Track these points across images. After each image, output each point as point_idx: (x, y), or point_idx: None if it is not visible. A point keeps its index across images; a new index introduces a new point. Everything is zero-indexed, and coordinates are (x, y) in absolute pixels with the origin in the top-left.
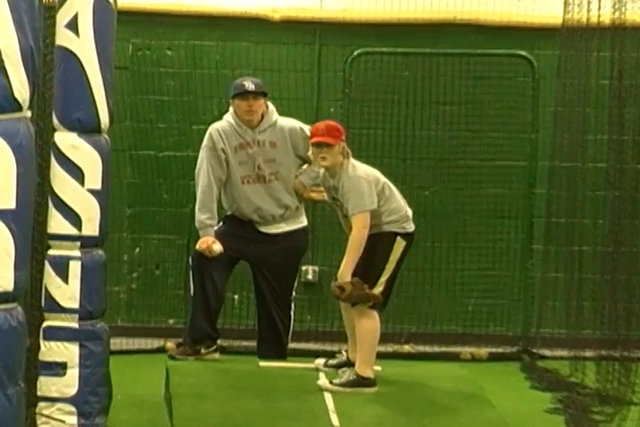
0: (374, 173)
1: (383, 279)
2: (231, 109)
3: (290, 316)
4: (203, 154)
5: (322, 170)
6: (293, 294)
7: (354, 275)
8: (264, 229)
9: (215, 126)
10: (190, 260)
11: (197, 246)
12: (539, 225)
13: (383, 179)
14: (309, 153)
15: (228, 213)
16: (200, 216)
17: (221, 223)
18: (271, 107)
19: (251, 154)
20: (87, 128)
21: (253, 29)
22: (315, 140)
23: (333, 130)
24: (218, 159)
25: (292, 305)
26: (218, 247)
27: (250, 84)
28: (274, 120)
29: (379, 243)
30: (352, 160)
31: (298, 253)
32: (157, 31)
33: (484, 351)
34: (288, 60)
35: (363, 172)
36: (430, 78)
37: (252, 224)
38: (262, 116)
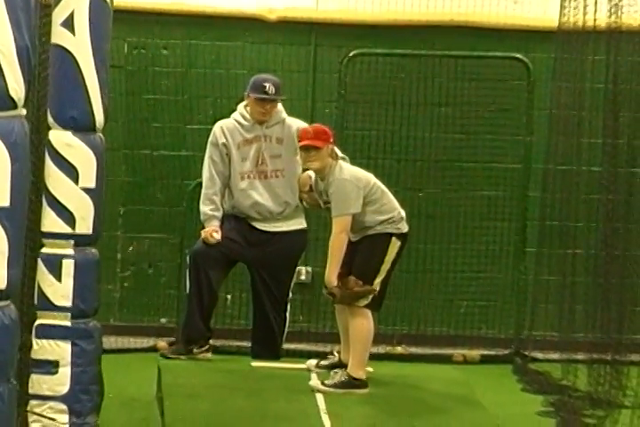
0: (365, 175)
1: (378, 280)
2: (241, 105)
3: (285, 317)
4: (207, 150)
5: (313, 174)
6: (289, 295)
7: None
8: (262, 227)
9: (219, 123)
10: (188, 258)
11: (202, 235)
12: (532, 228)
13: (374, 180)
14: (297, 157)
15: (228, 212)
16: (204, 208)
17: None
18: (280, 106)
19: (256, 149)
20: (82, 127)
21: (249, 29)
22: (303, 143)
23: (321, 133)
24: (219, 154)
25: (288, 306)
26: (217, 235)
27: (271, 88)
28: (282, 118)
29: (375, 244)
30: (341, 162)
31: (295, 254)
32: (153, 30)
33: (476, 353)
34: (283, 60)
35: (350, 174)
36: (425, 80)
37: (250, 223)
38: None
